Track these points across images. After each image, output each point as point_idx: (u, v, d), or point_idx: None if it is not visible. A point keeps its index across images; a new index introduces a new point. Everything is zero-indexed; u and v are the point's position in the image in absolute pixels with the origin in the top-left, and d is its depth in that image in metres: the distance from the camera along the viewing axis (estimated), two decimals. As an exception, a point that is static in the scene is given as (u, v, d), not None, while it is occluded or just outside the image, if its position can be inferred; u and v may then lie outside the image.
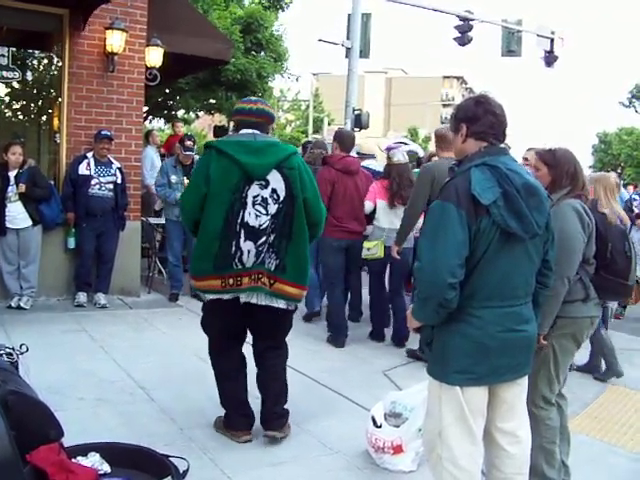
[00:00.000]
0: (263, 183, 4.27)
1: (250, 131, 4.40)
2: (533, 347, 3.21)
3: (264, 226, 4.28)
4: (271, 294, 4.37)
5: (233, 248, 4.26)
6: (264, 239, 4.29)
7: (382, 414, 4.39)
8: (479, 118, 3.05)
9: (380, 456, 4.27)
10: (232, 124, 21.46)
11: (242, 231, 4.26)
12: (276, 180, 4.29)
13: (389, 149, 8.03)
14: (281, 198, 4.29)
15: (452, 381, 3.02)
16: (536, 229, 2.97)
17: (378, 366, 6.41)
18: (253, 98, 4.76)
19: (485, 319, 2.95)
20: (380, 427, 4.32)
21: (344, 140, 7.41)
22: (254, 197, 4.26)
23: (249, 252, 4.27)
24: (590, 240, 3.93)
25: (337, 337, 7.14)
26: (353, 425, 4.77)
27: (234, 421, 4.57)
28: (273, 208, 4.29)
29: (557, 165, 3.97)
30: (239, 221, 4.25)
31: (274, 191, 4.29)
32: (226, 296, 4.35)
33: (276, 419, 4.54)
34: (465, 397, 3.02)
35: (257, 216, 4.27)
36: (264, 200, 4.28)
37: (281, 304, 4.41)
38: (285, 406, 4.63)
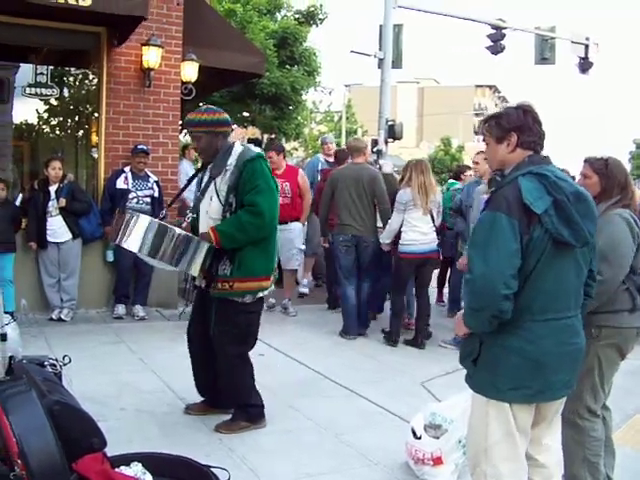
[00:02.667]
0: None
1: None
2: (582, 360, 3.14)
3: None
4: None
5: None
6: None
7: (422, 425, 4.37)
8: (530, 127, 3.01)
9: (420, 468, 4.25)
10: (266, 137, 21.67)
11: None
12: None
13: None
14: None
15: (506, 398, 2.94)
16: (588, 237, 2.92)
17: (415, 377, 6.39)
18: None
19: (540, 333, 2.89)
20: (420, 438, 4.30)
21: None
22: None
23: None
24: (639, 250, 3.88)
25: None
26: (392, 436, 4.76)
27: (259, 413, 4.97)
28: None
29: (609, 175, 3.91)
30: None
31: None
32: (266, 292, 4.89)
33: None
34: (514, 414, 2.96)
35: None
36: None
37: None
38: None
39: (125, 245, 4.49)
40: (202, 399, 5.19)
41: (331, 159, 10.08)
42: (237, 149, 4.78)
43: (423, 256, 7.46)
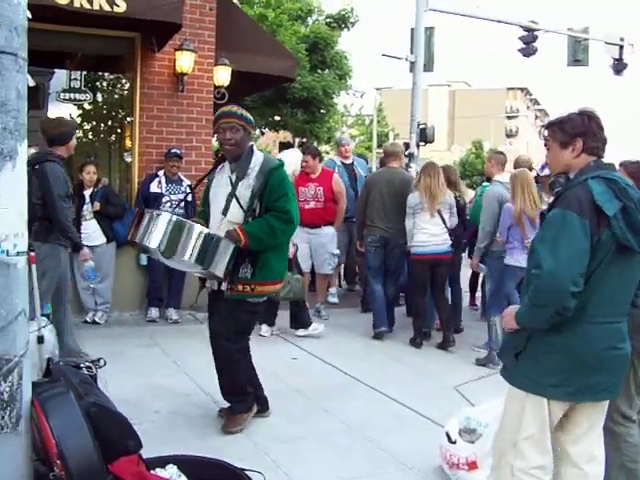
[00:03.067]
0: None
1: None
2: (627, 366, 3.17)
3: None
4: None
5: None
6: None
7: (456, 430, 4.34)
8: (595, 133, 3.06)
9: (455, 472, 4.22)
10: (297, 140, 21.73)
11: None
12: None
13: None
14: None
15: (546, 393, 3.00)
16: None
17: (448, 381, 6.35)
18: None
19: (592, 335, 2.94)
20: (455, 443, 4.27)
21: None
22: None
23: None
24: None
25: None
26: (426, 440, 4.73)
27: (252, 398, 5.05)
28: None
29: None
30: None
31: None
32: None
33: None
34: (551, 410, 3.02)
35: None
36: None
37: None
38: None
39: (147, 243, 4.33)
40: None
41: (347, 161, 9.93)
42: (258, 154, 4.82)
43: (434, 257, 7.51)
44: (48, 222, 5.81)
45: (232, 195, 4.71)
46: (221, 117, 4.79)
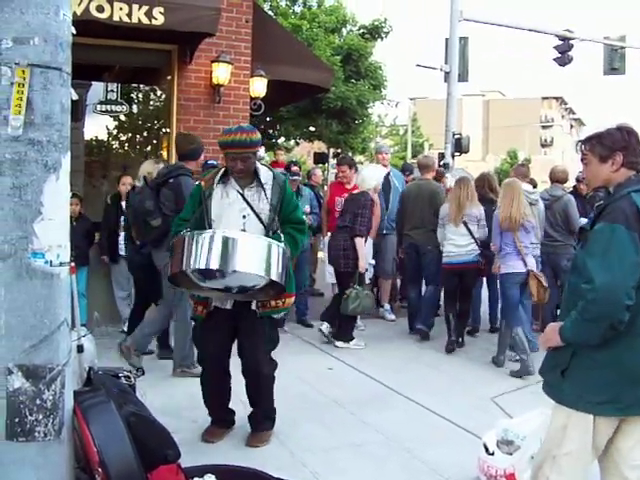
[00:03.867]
0: None
1: None
2: None
3: None
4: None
5: None
6: None
7: (494, 441, 4.31)
8: (635, 148, 3.08)
9: (492, 484, 4.19)
10: (332, 151, 21.67)
11: None
12: None
13: None
14: None
15: (595, 410, 2.98)
16: None
17: (485, 392, 6.30)
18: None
19: (638, 348, 2.93)
20: (492, 455, 4.25)
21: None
22: None
23: None
24: None
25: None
26: (464, 452, 4.70)
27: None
28: None
29: None
30: None
31: None
32: None
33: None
34: (596, 428, 3.00)
35: None
36: None
37: None
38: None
39: (208, 265, 4.13)
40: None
41: (386, 170, 9.60)
42: (259, 166, 4.72)
43: (459, 267, 7.73)
44: None
45: (252, 211, 4.59)
46: (230, 147, 4.54)
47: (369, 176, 8.03)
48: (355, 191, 7.99)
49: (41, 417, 2.88)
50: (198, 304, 4.75)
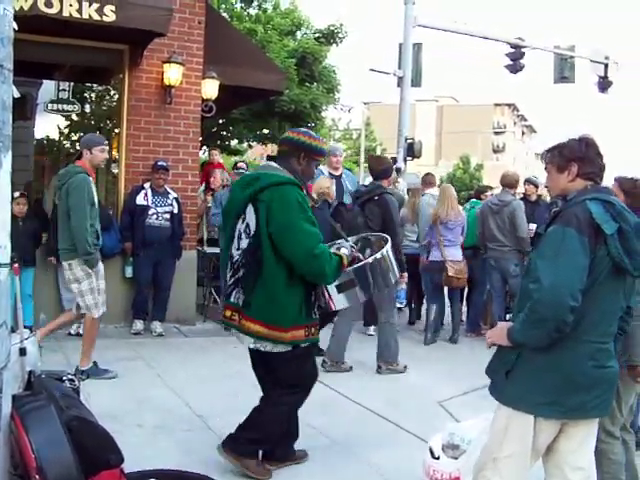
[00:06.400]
0: (243, 217, 4.23)
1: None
2: (616, 384, 3.20)
3: (235, 260, 4.27)
4: (240, 330, 4.29)
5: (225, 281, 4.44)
6: (236, 273, 4.26)
7: (440, 445, 4.33)
8: (592, 160, 3.12)
9: (438, 488, 4.21)
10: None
11: (229, 264, 4.32)
12: (250, 214, 4.19)
13: None
14: (251, 232, 4.17)
15: (537, 412, 3.01)
16: None
17: (433, 396, 6.34)
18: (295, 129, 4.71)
19: (581, 353, 2.96)
20: (438, 459, 4.25)
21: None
22: (237, 231, 4.27)
23: (228, 285, 4.32)
24: None
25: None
26: (410, 456, 4.70)
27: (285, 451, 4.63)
28: (244, 242, 4.21)
29: (637, 195, 4.01)
30: (228, 254, 4.33)
31: (247, 225, 4.20)
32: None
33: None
34: (536, 430, 3.02)
35: (235, 249, 4.27)
36: (239, 234, 4.25)
37: (250, 343, 4.29)
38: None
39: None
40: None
41: (337, 172, 9.33)
42: None
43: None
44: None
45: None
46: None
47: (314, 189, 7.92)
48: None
49: (-23, 422, 2.82)
50: (312, 326, 4.38)
